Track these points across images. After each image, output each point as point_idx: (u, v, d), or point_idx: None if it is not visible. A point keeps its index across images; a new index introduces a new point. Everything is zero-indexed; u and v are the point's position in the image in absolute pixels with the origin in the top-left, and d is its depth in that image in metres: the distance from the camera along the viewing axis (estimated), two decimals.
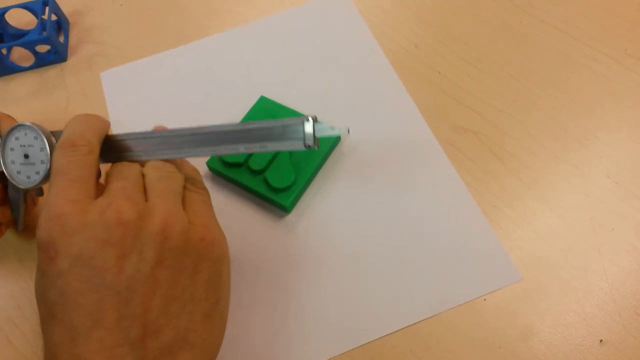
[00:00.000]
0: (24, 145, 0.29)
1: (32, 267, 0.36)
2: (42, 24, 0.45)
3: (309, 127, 0.27)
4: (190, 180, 0.29)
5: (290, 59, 0.43)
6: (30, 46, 0.44)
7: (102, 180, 0.30)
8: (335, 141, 0.38)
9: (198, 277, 0.25)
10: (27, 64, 0.46)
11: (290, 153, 0.36)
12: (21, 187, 0.29)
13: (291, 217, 0.36)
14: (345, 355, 0.31)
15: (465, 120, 0.39)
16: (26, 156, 0.29)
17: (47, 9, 0.46)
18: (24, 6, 0.46)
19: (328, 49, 0.44)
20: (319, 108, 0.40)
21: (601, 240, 0.32)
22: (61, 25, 0.48)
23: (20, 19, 0.48)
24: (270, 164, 0.36)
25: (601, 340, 0.30)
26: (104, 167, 0.29)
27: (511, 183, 0.36)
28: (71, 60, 0.46)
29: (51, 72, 0.45)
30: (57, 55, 0.46)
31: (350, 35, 0.44)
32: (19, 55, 0.47)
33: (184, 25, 0.47)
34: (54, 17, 0.47)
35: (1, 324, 0.34)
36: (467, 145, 0.37)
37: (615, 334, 0.30)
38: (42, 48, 0.46)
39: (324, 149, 0.37)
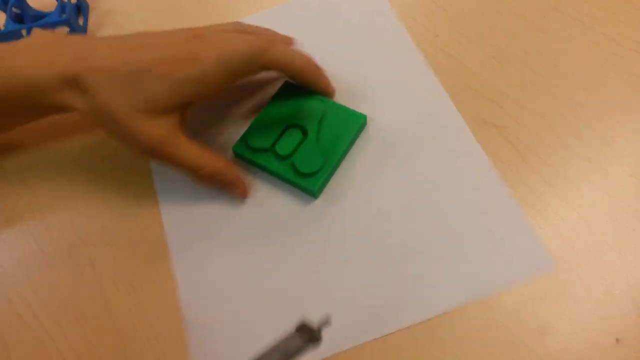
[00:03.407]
0: None
1: (48, 250, 0.36)
2: (62, 6, 0.45)
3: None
4: None
5: (316, 42, 0.43)
6: (49, 28, 0.44)
7: None
8: (361, 125, 0.38)
9: None
10: None
11: (317, 137, 0.36)
12: None
13: (318, 202, 0.36)
14: (359, 347, 0.31)
15: (486, 112, 0.38)
16: None
17: None
18: None
19: (354, 32, 0.43)
20: (344, 91, 0.40)
21: (622, 241, 0.33)
22: (81, 8, 0.48)
23: (40, 1, 0.47)
24: (297, 149, 0.36)
25: (618, 340, 0.31)
26: None
27: (531, 179, 0.36)
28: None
29: None
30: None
31: (377, 20, 0.44)
32: None
33: (203, 10, 0.47)
34: (73, 0, 0.47)
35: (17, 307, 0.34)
36: (488, 139, 0.37)
37: (633, 334, 0.30)
38: (61, 30, 0.45)
39: (350, 133, 0.37)
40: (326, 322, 0.25)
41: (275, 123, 0.37)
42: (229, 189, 0.36)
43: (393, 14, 0.44)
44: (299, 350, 0.24)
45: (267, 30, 0.40)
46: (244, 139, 0.37)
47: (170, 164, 0.34)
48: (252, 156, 0.37)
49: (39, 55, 0.33)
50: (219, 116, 0.41)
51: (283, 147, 0.36)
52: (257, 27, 0.39)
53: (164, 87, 0.32)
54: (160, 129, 0.33)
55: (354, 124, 0.37)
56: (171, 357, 0.32)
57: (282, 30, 0.41)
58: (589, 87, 0.39)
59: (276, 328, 0.28)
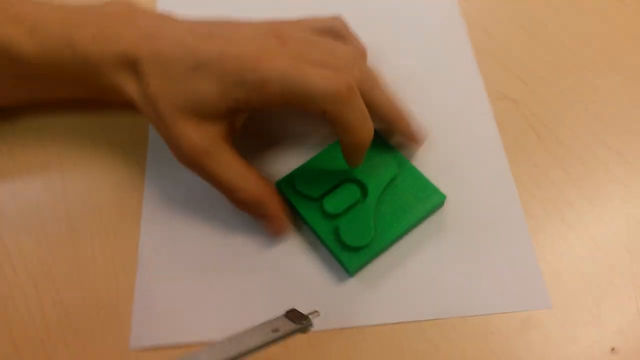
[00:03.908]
0: None
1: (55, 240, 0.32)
2: None
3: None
4: None
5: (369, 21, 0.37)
6: None
7: None
8: (437, 205, 0.30)
9: None
10: None
11: (378, 204, 0.29)
12: None
13: (354, 281, 0.29)
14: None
15: (506, 87, 0.36)
16: None
17: None
18: None
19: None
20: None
21: None
22: None
23: None
24: (349, 211, 0.29)
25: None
26: None
27: (547, 163, 0.33)
28: None
29: None
30: None
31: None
32: None
33: None
34: None
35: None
36: (503, 114, 0.35)
37: None
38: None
39: (419, 211, 0.30)
40: (316, 313, 0.25)
41: (333, 170, 0.31)
42: (264, 223, 0.30)
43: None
44: (290, 332, 0.23)
45: (358, 51, 0.33)
46: (291, 177, 0.31)
47: (206, 179, 0.29)
48: (294, 200, 0.30)
49: (105, 27, 0.29)
50: (274, 139, 0.34)
51: (332, 204, 0.29)
52: (354, 37, 0.33)
53: (216, 88, 0.27)
54: (203, 139, 0.28)
55: (428, 202, 0.30)
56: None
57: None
58: (625, 72, 0.37)
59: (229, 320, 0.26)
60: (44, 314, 0.30)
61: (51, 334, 0.29)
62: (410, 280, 0.29)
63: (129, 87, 0.29)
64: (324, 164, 0.31)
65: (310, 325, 0.24)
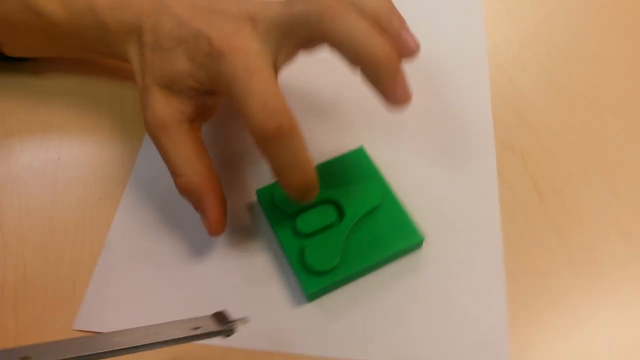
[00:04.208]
0: None
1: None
2: None
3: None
4: None
5: None
6: None
7: None
8: (412, 246, 0.29)
9: None
10: None
11: (352, 231, 0.28)
12: None
13: (311, 307, 0.28)
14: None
15: (517, 138, 0.34)
16: None
17: None
18: None
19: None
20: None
21: None
22: None
23: None
24: (321, 233, 0.28)
25: None
26: None
27: (544, 228, 0.30)
28: None
29: None
30: None
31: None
32: None
33: None
34: None
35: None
36: (507, 165, 0.32)
37: None
38: None
39: (392, 247, 0.28)
40: (245, 320, 0.23)
41: None
42: (200, 215, 0.29)
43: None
44: (209, 332, 0.22)
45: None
46: (271, 188, 0.30)
47: (160, 154, 0.29)
48: (268, 213, 0.30)
49: None
50: None
51: (305, 222, 0.28)
52: None
53: (187, 65, 0.28)
54: (165, 113, 0.28)
55: (403, 241, 0.29)
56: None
57: None
58: None
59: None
60: (4, 275, 0.30)
61: (3, 298, 0.29)
62: (369, 317, 0.28)
63: (132, 55, 0.30)
64: None
65: (232, 330, 0.22)
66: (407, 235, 0.29)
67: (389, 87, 0.25)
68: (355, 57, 0.25)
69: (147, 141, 0.34)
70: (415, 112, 0.34)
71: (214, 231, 0.28)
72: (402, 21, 0.27)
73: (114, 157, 0.34)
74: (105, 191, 0.33)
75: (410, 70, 0.36)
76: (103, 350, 0.21)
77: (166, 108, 0.28)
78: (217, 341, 0.26)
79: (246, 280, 0.29)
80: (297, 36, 0.26)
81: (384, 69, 0.25)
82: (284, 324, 0.27)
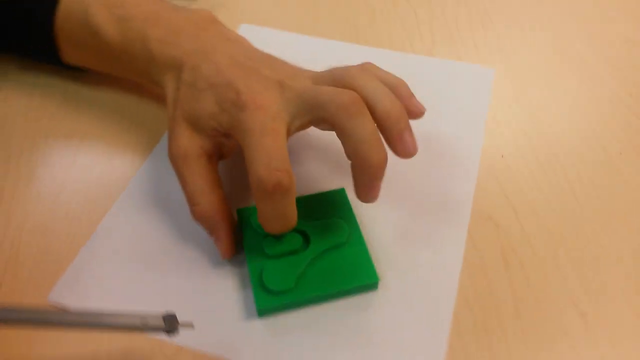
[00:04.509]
0: None
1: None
2: None
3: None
4: None
5: None
6: None
7: None
8: (365, 286, 0.31)
9: None
10: None
11: (313, 260, 0.31)
12: None
13: (260, 322, 0.30)
14: None
15: (496, 212, 0.35)
16: None
17: None
18: None
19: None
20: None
21: None
22: None
23: None
24: (283, 256, 0.31)
25: None
26: None
27: (505, 307, 0.30)
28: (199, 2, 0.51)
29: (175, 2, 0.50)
30: None
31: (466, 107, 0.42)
32: None
33: (345, 21, 0.49)
34: None
35: None
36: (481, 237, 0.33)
37: None
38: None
39: (344, 283, 0.30)
40: (189, 325, 0.26)
41: None
42: (214, 241, 0.32)
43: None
44: (152, 327, 0.25)
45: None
46: (252, 210, 0.33)
47: (179, 182, 0.33)
48: (244, 230, 0.32)
49: (172, 33, 0.35)
50: None
51: (271, 244, 0.31)
52: (395, 78, 0.33)
53: (211, 108, 0.31)
54: (187, 146, 0.32)
55: (358, 278, 0.30)
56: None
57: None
58: None
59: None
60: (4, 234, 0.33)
61: None
62: (312, 343, 0.29)
63: (169, 86, 0.34)
64: None
65: (175, 330, 0.25)
66: (363, 274, 0.30)
67: (364, 188, 0.30)
68: (353, 154, 0.29)
69: (158, 151, 0.38)
70: (404, 168, 0.36)
71: (226, 255, 0.32)
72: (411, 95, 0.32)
73: (123, 164, 0.38)
74: (105, 193, 0.36)
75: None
76: (49, 321, 0.24)
77: (189, 142, 0.32)
78: (169, 339, 0.28)
79: (211, 287, 0.31)
80: (313, 115, 0.30)
81: (369, 174, 0.29)
82: (232, 333, 0.29)
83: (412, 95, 0.32)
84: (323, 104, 0.29)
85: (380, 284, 0.31)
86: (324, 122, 0.30)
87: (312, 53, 0.45)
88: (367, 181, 0.30)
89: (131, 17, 0.36)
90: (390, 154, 0.30)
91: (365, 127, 0.28)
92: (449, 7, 0.51)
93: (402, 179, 0.36)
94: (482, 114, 0.41)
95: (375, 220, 0.34)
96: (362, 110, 0.29)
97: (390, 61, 0.44)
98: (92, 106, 0.41)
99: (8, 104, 0.41)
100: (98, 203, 0.35)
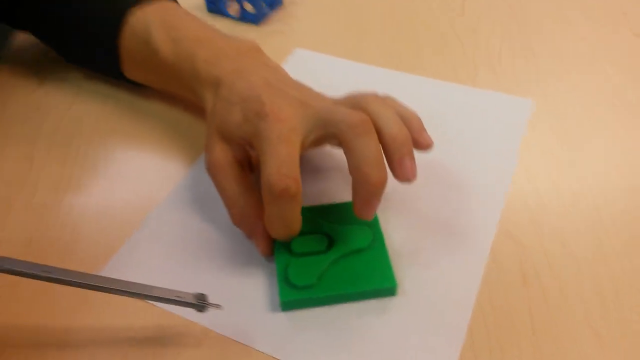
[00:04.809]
0: None
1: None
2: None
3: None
4: None
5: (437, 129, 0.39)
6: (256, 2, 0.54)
7: None
8: (382, 290, 0.32)
9: None
10: (232, 13, 0.57)
11: (336, 261, 0.33)
12: None
13: (282, 315, 0.32)
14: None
15: (522, 234, 0.36)
16: None
17: None
18: None
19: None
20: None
21: None
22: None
23: None
24: (308, 255, 0.33)
25: None
26: None
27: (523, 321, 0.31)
28: (261, 27, 0.56)
29: (242, 28, 0.56)
30: (255, 18, 0.56)
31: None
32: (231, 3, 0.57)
33: (391, 48, 0.52)
34: None
35: None
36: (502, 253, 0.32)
37: None
38: (247, 6, 0.55)
39: (361, 285, 0.32)
40: (218, 306, 0.29)
41: (321, 222, 0.35)
42: (252, 241, 0.35)
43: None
44: (185, 302, 0.28)
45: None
46: None
47: (217, 189, 0.36)
48: None
49: (216, 55, 0.39)
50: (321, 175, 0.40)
51: (298, 244, 0.33)
52: (411, 113, 0.35)
53: (239, 118, 0.34)
54: (222, 157, 0.35)
55: (375, 281, 0.32)
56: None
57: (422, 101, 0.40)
58: None
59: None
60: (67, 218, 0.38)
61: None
62: (329, 339, 0.31)
63: (208, 101, 0.38)
64: (313, 214, 0.35)
65: (205, 307, 0.28)
66: (382, 278, 0.32)
67: (361, 204, 0.32)
68: (354, 171, 0.31)
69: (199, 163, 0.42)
70: (434, 184, 0.38)
71: (265, 253, 0.34)
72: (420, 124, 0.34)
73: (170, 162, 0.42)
74: (154, 189, 0.40)
75: (442, 141, 0.40)
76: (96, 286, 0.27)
77: (221, 152, 0.35)
78: (197, 318, 0.31)
79: (241, 279, 0.34)
80: (325, 131, 0.33)
81: (367, 191, 0.31)
82: (255, 323, 0.31)
83: (422, 128, 0.34)
84: (336, 121, 0.31)
85: (399, 291, 0.33)
86: (334, 137, 0.32)
87: (357, 78, 0.49)
88: (365, 198, 0.31)
89: (184, 38, 0.40)
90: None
91: (370, 146, 0.30)
92: (494, 40, 0.53)
93: (430, 195, 0.38)
94: (517, 140, 0.42)
95: (400, 229, 0.36)
96: (369, 131, 0.31)
97: (431, 89, 0.47)
98: (147, 116, 0.46)
99: (85, 107, 0.47)
100: (150, 196, 0.39)
